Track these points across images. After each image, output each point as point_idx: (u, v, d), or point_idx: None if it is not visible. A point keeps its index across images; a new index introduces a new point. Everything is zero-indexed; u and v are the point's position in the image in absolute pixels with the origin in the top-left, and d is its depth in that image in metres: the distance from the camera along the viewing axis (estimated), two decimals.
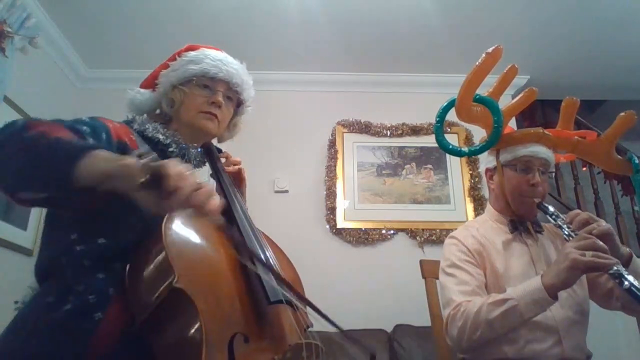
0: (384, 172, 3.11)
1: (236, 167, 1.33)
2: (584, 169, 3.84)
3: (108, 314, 0.84)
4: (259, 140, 3.16)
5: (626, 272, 1.13)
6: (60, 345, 0.80)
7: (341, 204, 2.98)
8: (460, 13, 2.71)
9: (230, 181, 1.22)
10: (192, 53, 1.21)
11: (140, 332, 0.80)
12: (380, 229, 2.92)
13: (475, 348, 1.30)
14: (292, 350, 0.84)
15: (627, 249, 1.30)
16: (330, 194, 2.99)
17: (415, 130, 3.20)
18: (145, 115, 1.16)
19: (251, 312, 0.88)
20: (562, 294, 1.25)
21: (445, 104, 1.51)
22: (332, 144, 3.13)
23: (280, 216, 2.89)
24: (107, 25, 2.76)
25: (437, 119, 1.52)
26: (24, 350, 0.81)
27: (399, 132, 3.19)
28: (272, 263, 1.00)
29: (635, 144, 3.82)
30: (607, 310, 1.49)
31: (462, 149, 1.58)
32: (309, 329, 1.00)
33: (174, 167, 0.73)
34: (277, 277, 0.92)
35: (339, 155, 3.10)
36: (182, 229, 0.87)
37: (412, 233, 2.92)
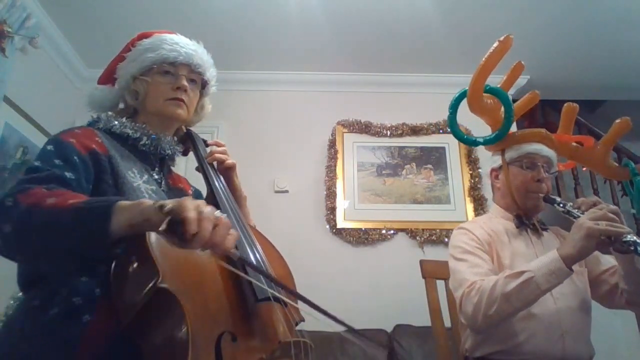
0: (384, 172, 3.11)
1: (221, 158, 1.23)
2: (584, 169, 3.84)
3: (97, 315, 0.84)
4: (259, 140, 3.16)
5: None
6: (49, 350, 0.80)
7: (341, 204, 2.98)
8: (460, 13, 2.71)
9: (217, 173, 1.18)
10: (147, 40, 1.17)
11: (127, 333, 0.80)
12: (380, 229, 2.92)
13: (491, 325, 1.28)
14: (281, 349, 0.83)
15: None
16: (330, 194, 2.98)
17: (415, 130, 3.19)
18: (109, 112, 1.12)
19: (239, 311, 0.87)
20: (564, 289, 1.25)
21: (458, 94, 1.52)
22: (332, 144, 3.13)
23: (280, 216, 2.89)
24: (107, 25, 2.76)
25: (450, 110, 1.53)
26: (14, 356, 0.81)
27: (399, 132, 3.19)
28: (260, 260, 0.98)
29: (635, 144, 3.82)
30: (606, 309, 1.49)
31: (477, 138, 1.58)
32: (301, 323, 0.98)
33: (191, 211, 0.72)
34: (265, 274, 0.91)
35: (339, 155, 3.10)
36: None
37: (412, 233, 2.92)
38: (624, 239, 1.13)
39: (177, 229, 0.71)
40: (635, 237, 1.13)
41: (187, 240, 0.71)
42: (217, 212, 0.77)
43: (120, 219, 0.76)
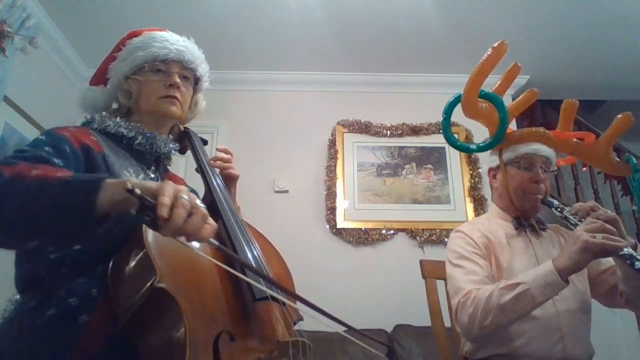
0: (384, 172, 3.11)
1: (223, 162, 1.24)
2: (584, 169, 3.84)
3: (94, 315, 0.83)
4: (259, 140, 3.16)
5: (637, 254, 1.12)
6: (47, 350, 0.80)
7: (341, 204, 2.98)
8: (460, 13, 2.71)
9: (216, 173, 1.17)
10: (137, 39, 1.16)
11: (125, 333, 0.79)
12: (380, 229, 2.92)
13: (486, 335, 1.28)
14: (279, 348, 0.83)
15: (632, 240, 1.30)
16: (330, 194, 2.99)
17: (415, 130, 3.19)
18: (103, 112, 1.11)
19: (237, 310, 0.87)
20: (565, 291, 1.25)
21: (452, 99, 1.51)
22: (332, 144, 3.13)
23: (280, 216, 2.89)
24: (107, 25, 2.76)
25: (444, 115, 1.52)
26: (11, 357, 0.81)
27: (399, 132, 3.19)
28: (258, 258, 0.97)
29: (636, 144, 3.82)
30: (607, 308, 1.49)
31: (471, 145, 1.58)
32: (300, 322, 0.98)
33: (166, 196, 0.69)
34: (261, 274, 0.90)
35: (339, 155, 3.10)
36: None
37: (412, 233, 2.92)
38: (621, 253, 1.13)
39: (149, 214, 0.68)
40: (631, 251, 1.12)
41: (158, 227, 0.68)
42: (197, 201, 0.73)
43: (105, 195, 0.74)
